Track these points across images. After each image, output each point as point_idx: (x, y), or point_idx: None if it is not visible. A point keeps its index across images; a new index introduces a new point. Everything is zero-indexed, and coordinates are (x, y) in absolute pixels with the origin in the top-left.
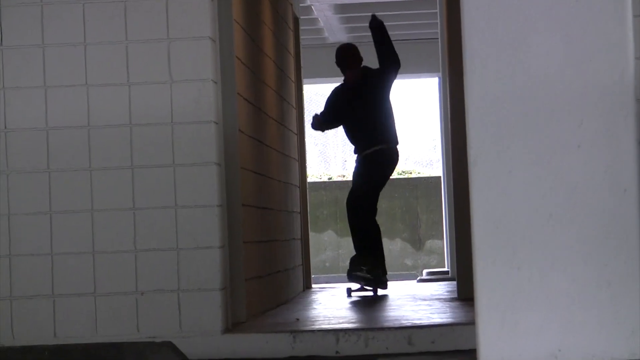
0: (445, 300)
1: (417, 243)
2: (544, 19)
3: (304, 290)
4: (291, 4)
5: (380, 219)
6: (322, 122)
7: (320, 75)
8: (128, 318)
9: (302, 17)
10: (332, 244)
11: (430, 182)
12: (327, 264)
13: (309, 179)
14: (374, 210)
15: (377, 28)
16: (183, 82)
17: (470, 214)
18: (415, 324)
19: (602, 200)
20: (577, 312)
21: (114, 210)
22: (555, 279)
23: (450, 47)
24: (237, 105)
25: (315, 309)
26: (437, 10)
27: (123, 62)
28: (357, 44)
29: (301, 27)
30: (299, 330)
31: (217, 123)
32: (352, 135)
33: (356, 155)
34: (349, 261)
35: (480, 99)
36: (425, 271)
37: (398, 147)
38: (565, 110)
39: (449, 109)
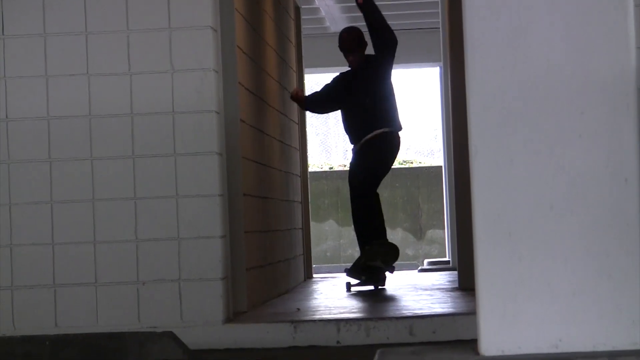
0: (446, 290)
1: (418, 233)
2: (546, 8)
3: (305, 280)
4: None
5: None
6: (312, 100)
7: (321, 64)
8: (129, 308)
9: (303, 7)
10: (333, 233)
11: (432, 172)
12: (328, 254)
13: (310, 169)
14: (376, 196)
15: (366, 5)
16: (184, 71)
17: (471, 204)
18: (416, 314)
19: (603, 190)
20: (578, 302)
21: (115, 200)
22: (556, 269)
23: (452, 37)
24: (238, 94)
25: (316, 298)
26: (439, 0)
27: (124, 51)
28: None
29: (302, 17)
30: (300, 320)
31: (218, 112)
32: (351, 121)
33: (353, 145)
34: (360, 257)
35: (482, 89)
36: (426, 261)
37: (400, 133)
38: (567, 99)
39: (450, 99)
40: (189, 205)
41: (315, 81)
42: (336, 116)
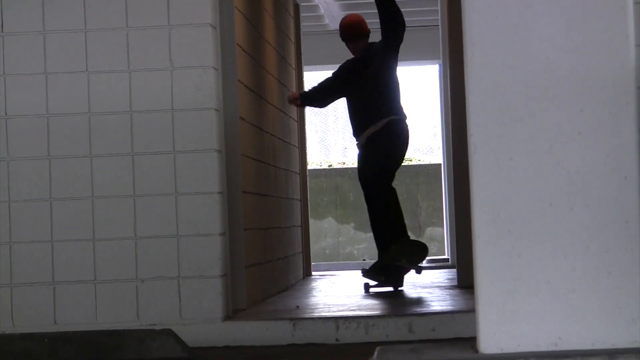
0: (445, 287)
1: (417, 230)
2: (546, 6)
3: (304, 278)
4: None
5: None
6: (311, 96)
7: (320, 62)
8: (128, 305)
9: (302, 4)
10: (332, 231)
11: (431, 170)
12: (327, 251)
13: (309, 166)
14: (393, 191)
15: None
16: (184, 69)
17: (470, 202)
18: (415, 311)
19: (603, 187)
20: (578, 299)
21: (114, 197)
22: (555, 266)
23: (451, 34)
24: (237, 92)
25: (315, 296)
26: None
27: (124, 48)
28: None
29: (301, 14)
30: (299, 317)
31: (217, 110)
32: (357, 111)
33: (357, 138)
34: (387, 255)
35: (481, 86)
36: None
37: (406, 121)
38: (566, 97)
39: (449, 96)
40: (188, 203)
41: (314, 78)
42: (335, 114)
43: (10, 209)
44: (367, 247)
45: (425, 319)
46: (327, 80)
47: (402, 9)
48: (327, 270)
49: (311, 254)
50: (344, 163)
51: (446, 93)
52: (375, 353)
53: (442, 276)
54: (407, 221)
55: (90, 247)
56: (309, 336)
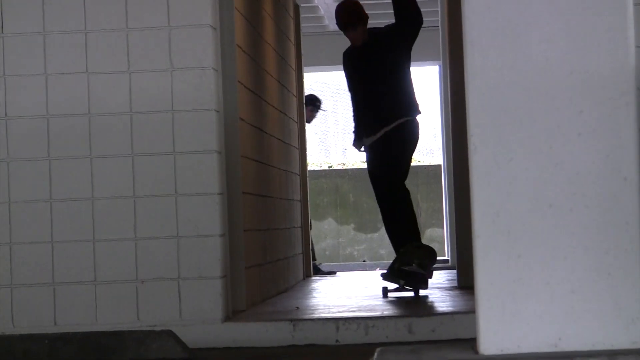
0: (445, 289)
1: None
2: (545, 7)
3: (304, 279)
4: None
5: None
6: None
7: (320, 63)
8: (128, 306)
9: (302, 5)
10: (332, 232)
11: (431, 171)
12: (327, 252)
13: (309, 167)
14: (407, 192)
15: None
16: (184, 69)
17: (470, 202)
18: (415, 312)
19: (602, 188)
20: (578, 300)
21: (114, 198)
22: (555, 267)
23: (451, 35)
24: (237, 93)
25: (315, 297)
26: None
27: (124, 49)
28: None
29: (302, 15)
30: (299, 318)
31: (217, 111)
32: (364, 111)
33: (364, 140)
34: (395, 259)
35: (481, 87)
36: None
37: (418, 117)
38: (566, 98)
39: (449, 97)
40: (188, 204)
41: (314, 79)
42: (335, 115)
43: (11, 210)
44: (367, 248)
45: (425, 320)
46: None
47: None
48: (327, 271)
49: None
50: (344, 164)
51: (446, 94)
52: (375, 354)
53: (442, 277)
54: None
55: (90, 248)
56: (309, 337)
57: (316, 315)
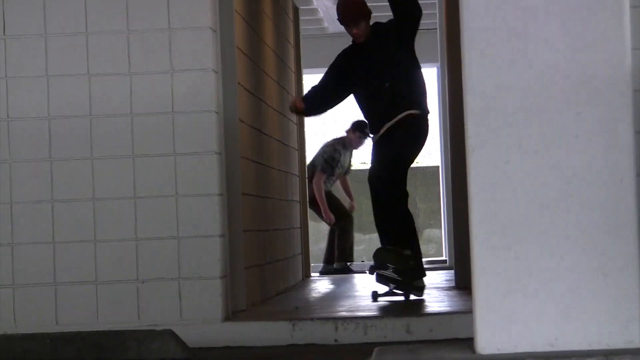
0: (443, 289)
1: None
2: (543, 9)
3: (303, 279)
4: None
5: None
6: (310, 100)
7: (320, 65)
8: (129, 306)
9: (301, 7)
10: None
11: (429, 172)
12: None
13: None
14: (405, 195)
15: None
16: (184, 71)
17: (468, 203)
18: (413, 312)
19: (599, 189)
20: (574, 300)
21: (115, 199)
22: (552, 268)
23: (449, 38)
24: (237, 94)
25: (314, 297)
26: (436, 1)
27: (124, 51)
28: None
29: (301, 17)
30: (298, 318)
31: (217, 112)
32: (370, 108)
33: (372, 136)
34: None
35: (479, 89)
36: (423, 260)
37: (428, 116)
38: (564, 100)
39: (447, 99)
40: (188, 205)
41: (313, 81)
42: (335, 116)
43: (12, 211)
44: (365, 248)
45: (423, 319)
46: (322, 80)
47: None
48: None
49: (310, 256)
50: None
51: (444, 95)
52: (374, 354)
53: (439, 277)
54: None
55: (91, 248)
56: (308, 337)
57: (315, 315)
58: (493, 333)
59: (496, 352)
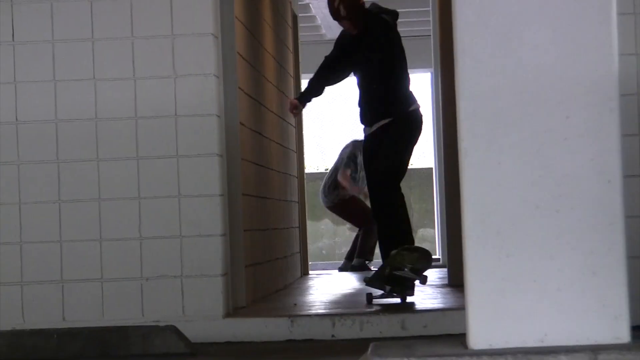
0: (436, 286)
1: None
2: (535, 15)
3: (301, 277)
4: (290, 2)
5: None
6: (327, 66)
7: None
8: (133, 303)
9: (300, 15)
10: (329, 232)
11: (423, 173)
12: (323, 252)
13: (307, 170)
14: (403, 197)
15: None
16: (186, 76)
17: (460, 204)
18: (408, 309)
19: (588, 191)
20: (564, 298)
21: (120, 200)
22: (542, 266)
23: (443, 43)
24: (238, 98)
25: (312, 294)
26: (430, 8)
27: (129, 57)
28: None
29: (299, 24)
30: (296, 314)
31: (219, 116)
32: (360, 95)
33: (368, 125)
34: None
35: (471, 93)
36: None
37: (419, 110)
38: (554, 103)
39: (440, 103)
40: (190, 205)
41: None
42: (331, 118)
43: (21, 211)
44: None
45: (417, 316)
46: (333, 53)
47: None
48: (323, 270)
49: (308, 254)
50: None
51: (437, 100)
52: (370, 349)
53: (433, 275)
54: None
55: (97, 247)
56: (306, 332)
57: (313, 312)
58: (485, 329)
59: (488, 347)
